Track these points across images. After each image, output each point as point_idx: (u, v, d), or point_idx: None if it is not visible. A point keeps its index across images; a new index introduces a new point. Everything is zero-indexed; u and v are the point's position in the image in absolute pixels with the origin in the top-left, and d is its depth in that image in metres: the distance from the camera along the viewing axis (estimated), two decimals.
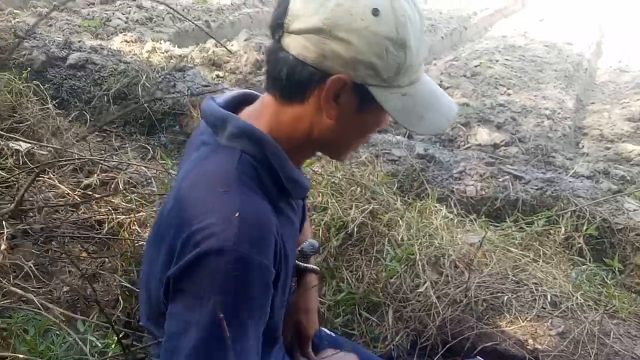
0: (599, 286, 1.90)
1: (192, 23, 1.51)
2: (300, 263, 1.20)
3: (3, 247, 1.20)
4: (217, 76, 4.63)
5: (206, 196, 0.80)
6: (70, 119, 2.61)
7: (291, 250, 0.92)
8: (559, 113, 4.69)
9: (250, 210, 0.78)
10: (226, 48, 1.37)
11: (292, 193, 0.90)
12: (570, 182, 2.80)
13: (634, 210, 2.59)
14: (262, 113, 0.88)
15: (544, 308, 1.74)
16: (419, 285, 1.73)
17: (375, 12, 0.77)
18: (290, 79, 0.81)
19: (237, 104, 0.93)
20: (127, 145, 2.29)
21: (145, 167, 1.77)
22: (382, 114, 0.85)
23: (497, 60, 6.19)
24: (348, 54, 0.77)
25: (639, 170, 3.57)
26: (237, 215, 0.76)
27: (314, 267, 1.20)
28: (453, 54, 7.00)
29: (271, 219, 0.81)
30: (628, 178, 3.22)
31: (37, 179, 1.52)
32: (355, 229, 1.86)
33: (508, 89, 5.25)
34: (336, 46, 0.77)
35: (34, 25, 1.12)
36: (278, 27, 0.81)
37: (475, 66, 5.87)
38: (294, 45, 0.79)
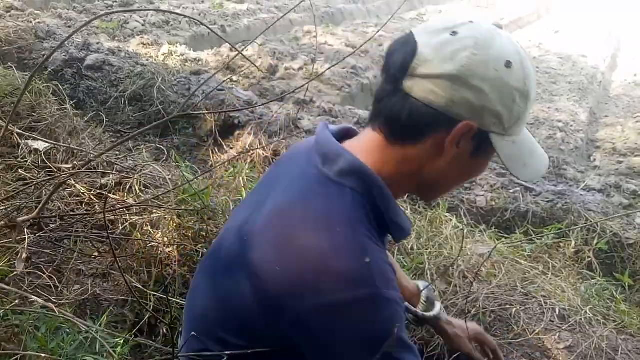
0: (608, 301, 1.89)
1: (208, 28, 1.53)
2: (436, 311, 1.30)
3: (24, 256, 1.23)
4: (231, 80, 4.67)
5: (326, 237, 0.78)
6: (86, 119, 2.65)
7: None
8: (571, 126, 4.68)
9: (374, 251, 0.79)
10: (245, 57, 1.38)
11: (393, 235, 0.90)
12: (581, 195, 2.79)
13: None
14: (369, 150, 0.87)
15: (552, 321, 1.73)
16: None
17: (508, 64, 0.80)
18: (410, 121, 0.82)
19: (341, 137, 0.93)
20: (142, 146, 2.33)
21: (167, 169, 1.79)
22: (489, 159, 0.89)
23: None
24: (478, 102, 0.79)
25: None
26: (368, 260, 0.77)
27: (442, 311, 1.31)
28: None
29: (387, 259, 0.83)
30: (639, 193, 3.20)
31: (54, 178, 1.55)
32: None
33: None
34: (467, 94, 0.79)
35: (71, 34, 1.14)
36: (401, 69, 0.81)
37: None
38: (420, 88, 0.80)
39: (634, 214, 2.69)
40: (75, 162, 1.68)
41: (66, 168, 1.58)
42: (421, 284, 1.34)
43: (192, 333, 0.91)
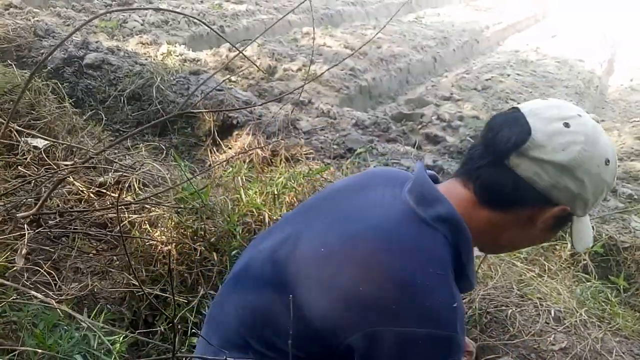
0: (603, 303, 1.90)
1: (207, 26, 1.54)
2: None
3: (24, 251, 1.23)
4: (230, 80, 4.68)
5: (420, 273, 0.83)
6: (85, 118, 2.66)
7: None
8: None
9: (459, 299, 0.85)
10: (245, 56, 1.39)
11: (459, 285, 0.93)
12: None
13: None
14: (461, 204, 0.92)
15: (548, 323, 1.74)
16: None
17: (607, 162, 0.89)
18: (512, 194, 0.89)
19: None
20: (141, 145, 2.33)
21: (163, 168, 1.80)
22: (557, 232, 0.97)
23: (509, 75, 6.21)
24: (576, 191, 0.88)
25: None
26: (455, 305, 0.83)
27: None
28: (464, 66, 7.03)
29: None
30: (635, 196, 3.22)
31: (53, 175, 1.56)
32: None
33: (518, 103, 5.26)
34: (570, 183, 0.87)
35: (72, 33, 1.15)
36: (513, 147, 0.87)
37: (487, 80, 5.90)
38: (526, 168, 0.87)
39: (629, 218, 2.71)
40: (75, 159, 1.69)
41: (65, 165, 1.58)
42: None
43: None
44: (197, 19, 1.45)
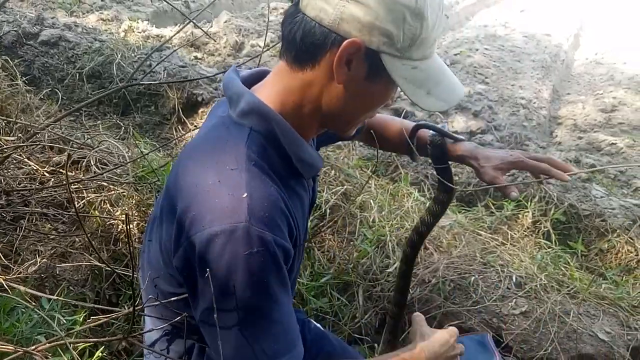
0: (562, 268, 1.96)
1: (169, 4, 1.46)
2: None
3: None
4: (195, 57, 4.57)
5: (214, 173, 0.79)
6: (41, 96, 2.56)
7: (302, 227, 0.93)
8: (534, 103, 4.77)
9: (258, 189, 0.78)
10: (206, 33, 1.34)
11: (301, 172, 0.90)
12: None
13: (601, 197, 2.66)
14: (273, 81, 0.88)
15: (509, 289, 1.78)
16: (389, 266, 1.76)
17: None
18: (303, 42, 0.81)
19: (255, 79, 0.93)
20: (99, 121, 2.26)
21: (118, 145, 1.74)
22: (390, 86, 0.84)
23: (477, 50, 6.23)
24: (365, 18, 0.77)
25: (609, 159, 3.67)
26: (245, 195, 0.76)
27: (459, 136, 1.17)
28: None
29: (279, 198, 0.81)
30: (598, 167, 3.31)
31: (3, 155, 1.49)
32: (329, 211, 1.88)
33: (486, 77, 5.31)
34: (355, 9, 0.77)
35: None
36: None
37: (455, 54, 5.91)
38: (312, 6, 0.80)
39: (590, 186, 2.78)
40: (20, 135, 1.62)
41: (10, 140, 1.51)
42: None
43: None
44: None
